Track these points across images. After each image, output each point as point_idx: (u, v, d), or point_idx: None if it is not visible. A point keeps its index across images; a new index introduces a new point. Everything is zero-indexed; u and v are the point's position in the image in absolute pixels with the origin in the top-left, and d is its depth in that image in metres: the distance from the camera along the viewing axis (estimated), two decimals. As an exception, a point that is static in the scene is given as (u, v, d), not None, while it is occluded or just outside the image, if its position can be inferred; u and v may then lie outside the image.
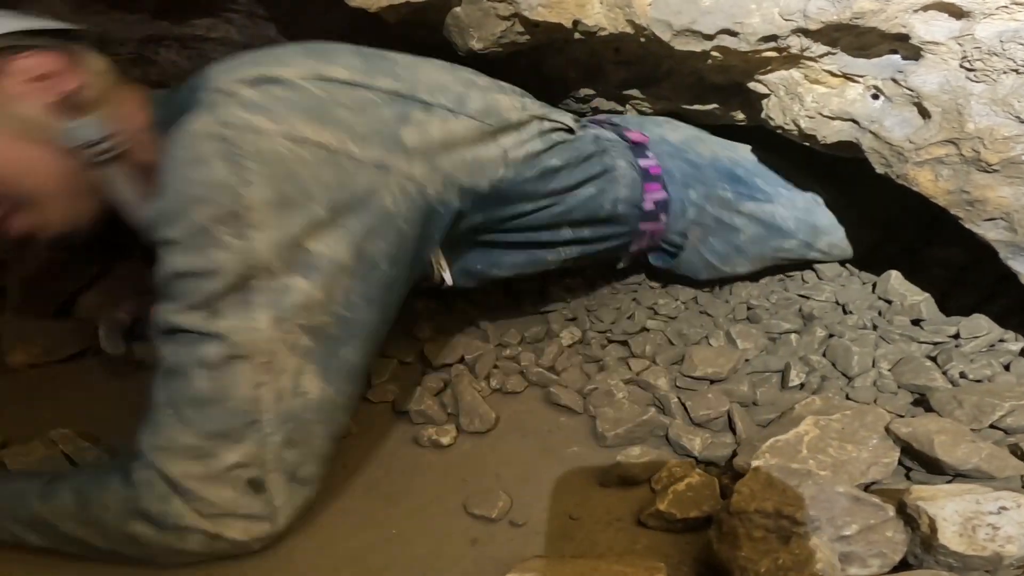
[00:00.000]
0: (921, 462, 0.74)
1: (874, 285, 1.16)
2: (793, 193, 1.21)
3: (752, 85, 1.05)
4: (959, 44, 0.83)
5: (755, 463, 0.76)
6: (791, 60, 0.97)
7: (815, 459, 0.75)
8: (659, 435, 0.90)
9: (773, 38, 0.93)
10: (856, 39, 0.90)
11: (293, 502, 0.74)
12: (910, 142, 0.90)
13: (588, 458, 0.88)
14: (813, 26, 0.89)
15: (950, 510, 0.59)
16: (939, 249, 1.23)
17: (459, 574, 0.72)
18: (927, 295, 1.08)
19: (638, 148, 1.16)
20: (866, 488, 0.73)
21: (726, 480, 0.79)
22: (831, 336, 1.03)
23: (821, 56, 0.95)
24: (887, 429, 0.77)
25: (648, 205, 1.13)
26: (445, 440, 0.92)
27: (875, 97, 0.95)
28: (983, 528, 0.57)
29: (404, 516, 0.80)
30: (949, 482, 0.71)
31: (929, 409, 0.83)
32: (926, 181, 0.91)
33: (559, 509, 0.79)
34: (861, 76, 0.95)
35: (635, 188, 1.11)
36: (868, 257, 1.25)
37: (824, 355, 0.99)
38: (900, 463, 0.76)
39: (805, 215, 1.20)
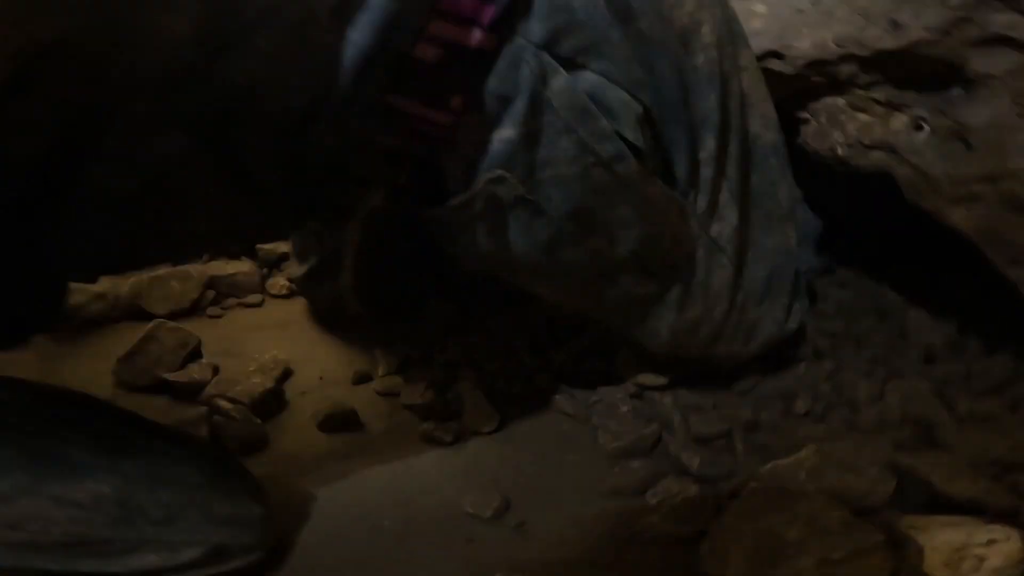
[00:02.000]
0: (918, 493, 0.74)
1: (886, 315, 1.15)
2: None
3: (790, 108, 1.04)
4: (1014, 79, 0.81)
5: (753, 484, 0.77)
6: (836, 87, 0.96)
7: (813, 484, 0.76)
8: (659, 450, 0.90)
9: (821, 63, 0.91)
10: (908, 69, 0.88)
11: None
12: (948, 176, 0.88)
13: (587, 467, 0.88)
14: (865, 53, 0.87)
15: (940, 540, 0.59)
16: (956, 280, 1.22)
17: (451, 572, 0.73)
18: (941, 330, 1.07)
19: None
20: (861, 515, 0.73)
21: (723, 499, 0.79)
22: (839, 367, 1.03)
23: (869, 84, 0.93)
24: (888, 460, 0.77)
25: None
26: (447, 437, 0.93)
27: (919, 128, 0.93)
28: (969, 559, 0.58)
29: (401, 510, 0.82)
30: (944, 514, 0.71)
31: (932, 443, 0.83)
32: (959, 217, 0.88)
33: (555, 515, 0.80)
34: (908, 106, 0.92)
35: None
36: (882, 283, 1.23)
37: (831, 384, 0.99)
38: (898, 493, 0.76)
39: None
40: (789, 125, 1.09)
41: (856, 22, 0.89)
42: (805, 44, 0.91)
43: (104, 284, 1.26)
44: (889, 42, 0.85)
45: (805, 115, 1.03)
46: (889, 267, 1.26)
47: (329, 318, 1.22)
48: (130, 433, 0.73)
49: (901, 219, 1.00)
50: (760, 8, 0.97)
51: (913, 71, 0.89)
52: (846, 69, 0.92)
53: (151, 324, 1.10)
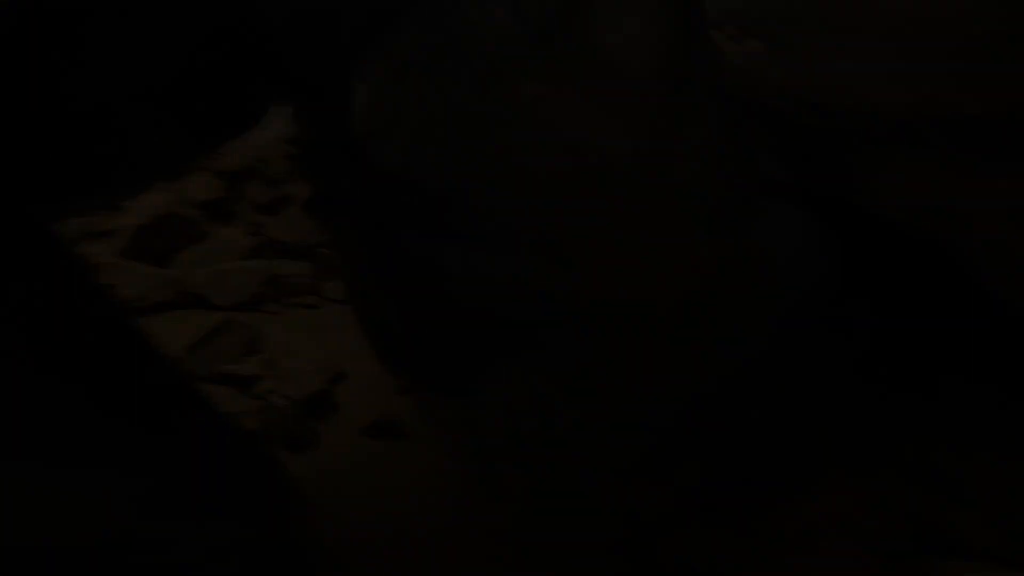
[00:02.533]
0: (946, 541, 0.74)
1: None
2: None
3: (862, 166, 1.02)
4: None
5: (775, 524, 0.77)
6: (916, 147, 0.94)
7: (837, 527, 0.76)
8: (678, 480, 0.90)
9: (903, 123, 0.90)
10: (995, 136, 0.86)
11: None
12: (1002, 246, 0.86)
13: (608, 493, 0.88)
14: (954, 115, 0.85)
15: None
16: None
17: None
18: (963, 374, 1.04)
19: None
20: (887, 562, 0.73)
21: (743, 538, 0.80)
22: (861, 408, 1.01)
23: (951, 148, 0.91)
24: (911, 507, 0.77)
25: None
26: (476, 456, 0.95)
27: (980, 195, 0.90)
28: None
29: (426, 523, 0.84)
30: (973, 562, 0.71)
31: (956, 490, 0.81)
32: (1008, 289, 0.86)
33: (572, 540, 0.81)
34: (987, 176, 0.91)
35: None
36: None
37: (853, 425, 0.97)
38: (925, 541, 0.76)
39: None
40: (859, 182, 1.06)
41: (949, 83, 0.87)
42: (890, 100, 0.89)
43: (176, 271, 1.32)
44: (978, 107, 0.83)
45: (874, 174, 1.01)
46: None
47: (373, 329, 1.25)
48: (152, 408, 0.63)
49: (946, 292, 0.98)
50: (845, 64, 0.96)
51: (1000, 139, 0.87)
52: (928, 130, 0.89)
53: (218, 317, 1.16)
